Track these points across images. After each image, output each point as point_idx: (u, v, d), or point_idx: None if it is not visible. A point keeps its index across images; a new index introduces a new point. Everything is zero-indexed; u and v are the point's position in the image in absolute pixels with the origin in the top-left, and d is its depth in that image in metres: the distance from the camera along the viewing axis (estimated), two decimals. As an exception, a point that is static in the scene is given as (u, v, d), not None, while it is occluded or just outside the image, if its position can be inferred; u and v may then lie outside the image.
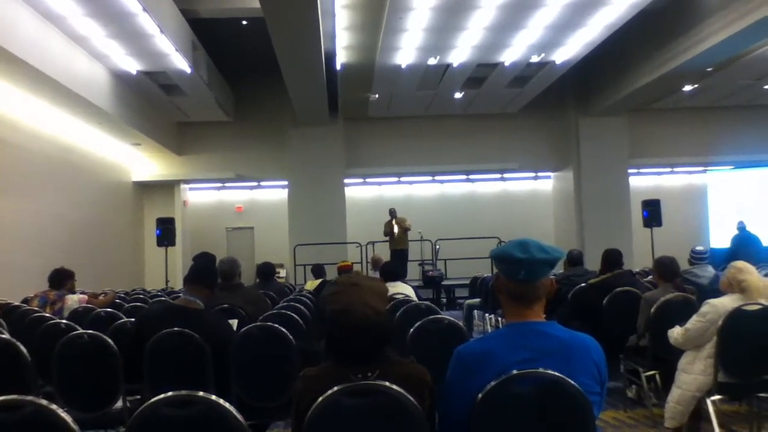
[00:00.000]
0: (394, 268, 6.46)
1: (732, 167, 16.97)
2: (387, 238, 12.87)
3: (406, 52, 11.84)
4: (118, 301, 6.77)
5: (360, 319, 1.90)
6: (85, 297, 6.10)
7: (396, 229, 12.61)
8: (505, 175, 17.99)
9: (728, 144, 16.91)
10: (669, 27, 11.97)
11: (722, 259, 6.54)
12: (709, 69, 12.71)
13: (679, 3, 11.44)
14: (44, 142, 11.59)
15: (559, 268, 7.56)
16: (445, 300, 12.45)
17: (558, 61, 12.62)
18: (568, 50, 12.07)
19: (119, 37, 10.69)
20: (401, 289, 5.63)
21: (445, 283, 12.60)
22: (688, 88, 14.29)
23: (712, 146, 17.02)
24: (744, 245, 9.95)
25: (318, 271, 8.27)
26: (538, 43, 11.57)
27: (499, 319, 7.50)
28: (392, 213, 12.90)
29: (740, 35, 10.17)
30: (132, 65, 12.08)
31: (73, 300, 5.87)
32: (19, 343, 3.27)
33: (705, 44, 10.93)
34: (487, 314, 8.29)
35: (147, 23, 9.95)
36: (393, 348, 2.00)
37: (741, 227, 10.96)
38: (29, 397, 1.75)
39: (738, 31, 9.98)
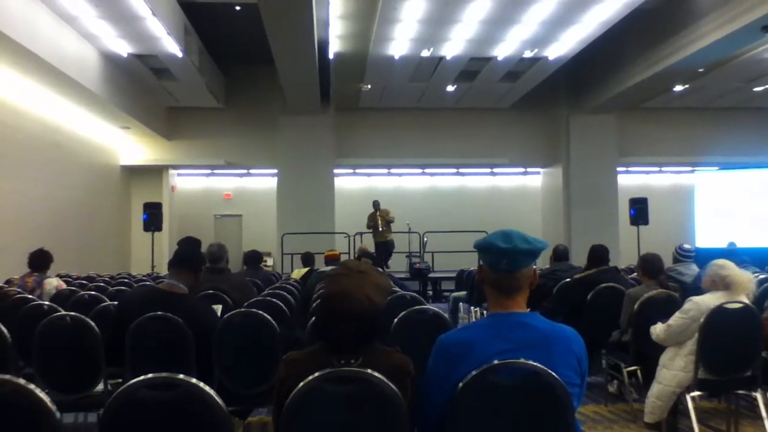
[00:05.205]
0: (373, 259, 6.47)
1: (717, 168, 17.09)
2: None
3: (399, 43, 11.79)
4: (102, 284, 6.71)
5: (352, 306, 1.88)
6: (63, 285, 5.94)
7: (379, 222, 12.63)
8: (495, 170, 18.04)
9: (716, 145, 17.07)
10: (662, 27, 12.01)
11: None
12: (701, 70, 12.79)
13: (673, 3, 11.47)
14: (30, 122, 11.41)
15: (545, 263, 7.60)
16: (431, 292, 12.46)
17: (551, 57, 12.62)
18: (562, 46, 12.07)
19: (110, 18, 10.55)
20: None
21: (431, 275, 12.62)
22: (679, 88, 14.36)
23: (701, 147, 17.17)
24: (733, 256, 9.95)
25: (307, 259, 8.22)
26: (532, 39, 11.57)
27: (484, 312, 7.51)
28: (376, 205, 12.90)
29: (732, 37, 10.23)
30: (123, 47, 11.95)
31: (52, 285, 5.69)
32: (-1, 324, 3.24)
33: (697, 45, 10.98)
34: (472, 307, 8.31)
35: (139, 5, 9.82)
36: (381, 340, 1.99)
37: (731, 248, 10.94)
38: (6, 376, 1.72)
39: (730, 32, 10.04)
